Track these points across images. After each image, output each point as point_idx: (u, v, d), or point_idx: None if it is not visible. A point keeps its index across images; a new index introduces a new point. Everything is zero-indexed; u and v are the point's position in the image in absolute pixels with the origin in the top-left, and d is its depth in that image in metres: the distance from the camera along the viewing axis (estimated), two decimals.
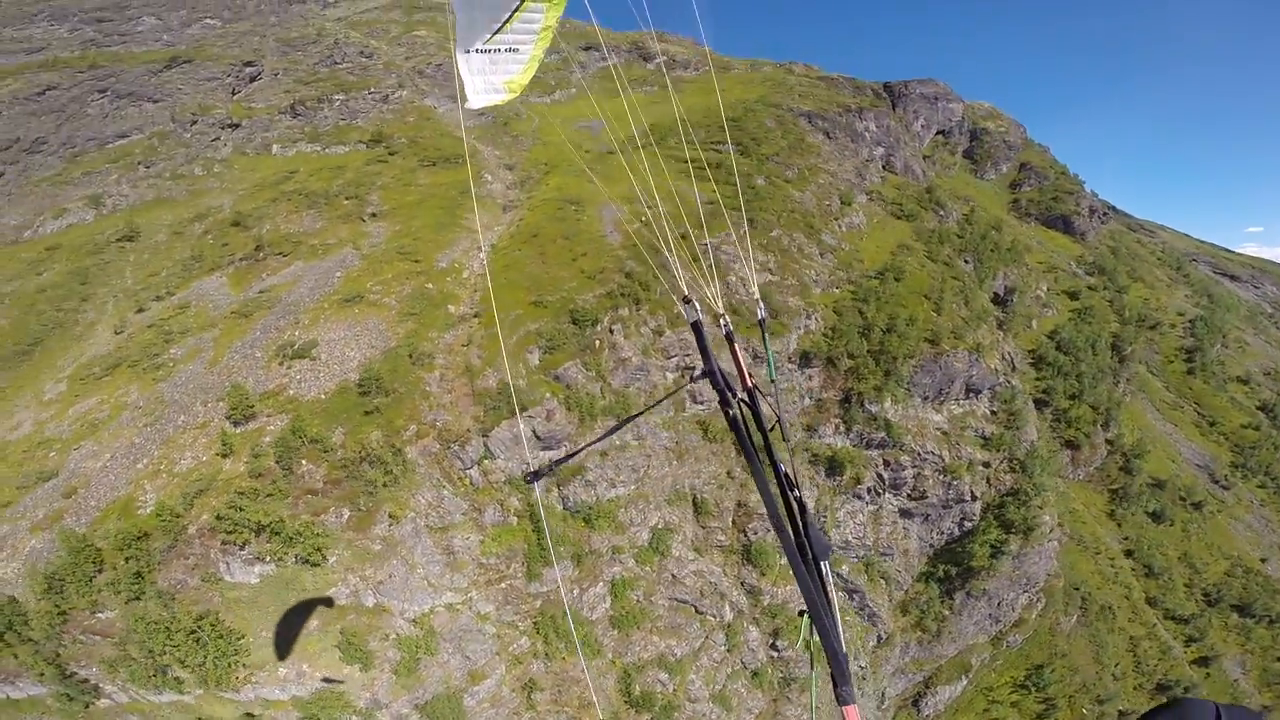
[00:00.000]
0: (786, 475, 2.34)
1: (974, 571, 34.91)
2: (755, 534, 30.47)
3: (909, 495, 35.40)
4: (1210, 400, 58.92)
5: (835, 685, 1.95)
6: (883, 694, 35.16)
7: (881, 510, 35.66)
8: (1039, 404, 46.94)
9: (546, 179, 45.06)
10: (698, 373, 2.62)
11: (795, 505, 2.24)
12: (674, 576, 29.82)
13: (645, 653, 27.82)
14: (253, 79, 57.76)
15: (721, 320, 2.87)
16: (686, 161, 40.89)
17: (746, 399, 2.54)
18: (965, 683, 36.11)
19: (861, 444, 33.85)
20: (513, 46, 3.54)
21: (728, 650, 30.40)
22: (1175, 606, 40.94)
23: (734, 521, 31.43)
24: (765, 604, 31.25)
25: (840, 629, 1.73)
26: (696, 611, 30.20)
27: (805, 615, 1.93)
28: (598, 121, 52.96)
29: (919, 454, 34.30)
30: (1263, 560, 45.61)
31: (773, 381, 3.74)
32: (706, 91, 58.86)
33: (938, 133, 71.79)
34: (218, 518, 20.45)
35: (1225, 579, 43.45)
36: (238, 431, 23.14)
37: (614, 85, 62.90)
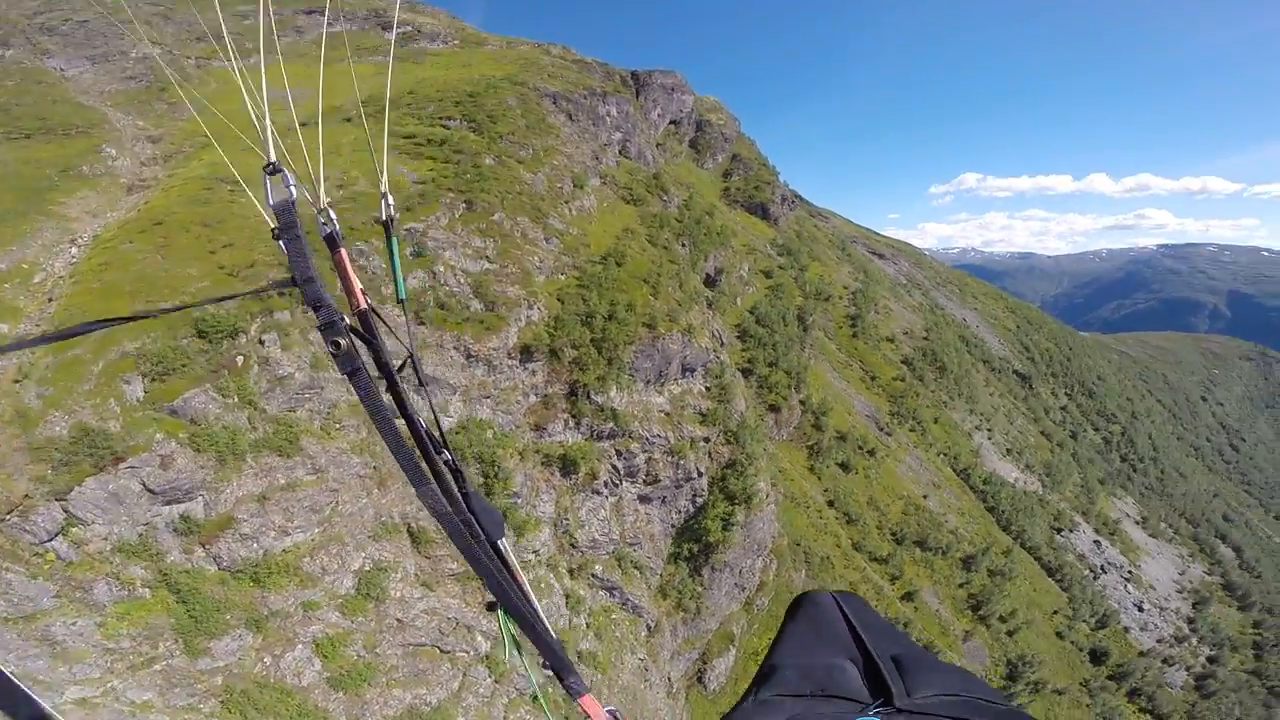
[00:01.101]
0: (429, 434, 1.71)
1: (713, 546, 36.67)
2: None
3: (644, 481, 35.68)
4: (870, 358, 72.20)
5: (561, 679, 1.57)
6: (669, 679, 35.28)
7: (622, 500, 35.40)
8: (745, 373, 51.89)
9: (202, 154, 36.01)
10: (289, 280, 1.56)
11: (448, 472, 1.67)
12: (400, 621, 25.42)
13: (389, 709, 23.22)
14: None
15: (322, 219, 1.70)
16: (400, 139, 35.99)
17: (359, 325, 1.67)
18: (735, 651, 38.10)
19: (592, 436, 32.95)
20: None
21: (496, 681, 27.06)
22: (874, 548, 48.16)
23: None
24: None
25: (543, 614, 1.35)
26: (442, 652, 26.32)
27: (499, 609, 1.52)
28: (304, 90, 45.09)
29: (647, 439, 34.65)
30: (924, 497, 56.74)
31: (401, 302, 2.12)
32: (449, 66, 53.17)
33: (671, 122, 76.06)
34: None
35: (904, 517, 52.76)
36: None
37: (337, 54, 54.49)
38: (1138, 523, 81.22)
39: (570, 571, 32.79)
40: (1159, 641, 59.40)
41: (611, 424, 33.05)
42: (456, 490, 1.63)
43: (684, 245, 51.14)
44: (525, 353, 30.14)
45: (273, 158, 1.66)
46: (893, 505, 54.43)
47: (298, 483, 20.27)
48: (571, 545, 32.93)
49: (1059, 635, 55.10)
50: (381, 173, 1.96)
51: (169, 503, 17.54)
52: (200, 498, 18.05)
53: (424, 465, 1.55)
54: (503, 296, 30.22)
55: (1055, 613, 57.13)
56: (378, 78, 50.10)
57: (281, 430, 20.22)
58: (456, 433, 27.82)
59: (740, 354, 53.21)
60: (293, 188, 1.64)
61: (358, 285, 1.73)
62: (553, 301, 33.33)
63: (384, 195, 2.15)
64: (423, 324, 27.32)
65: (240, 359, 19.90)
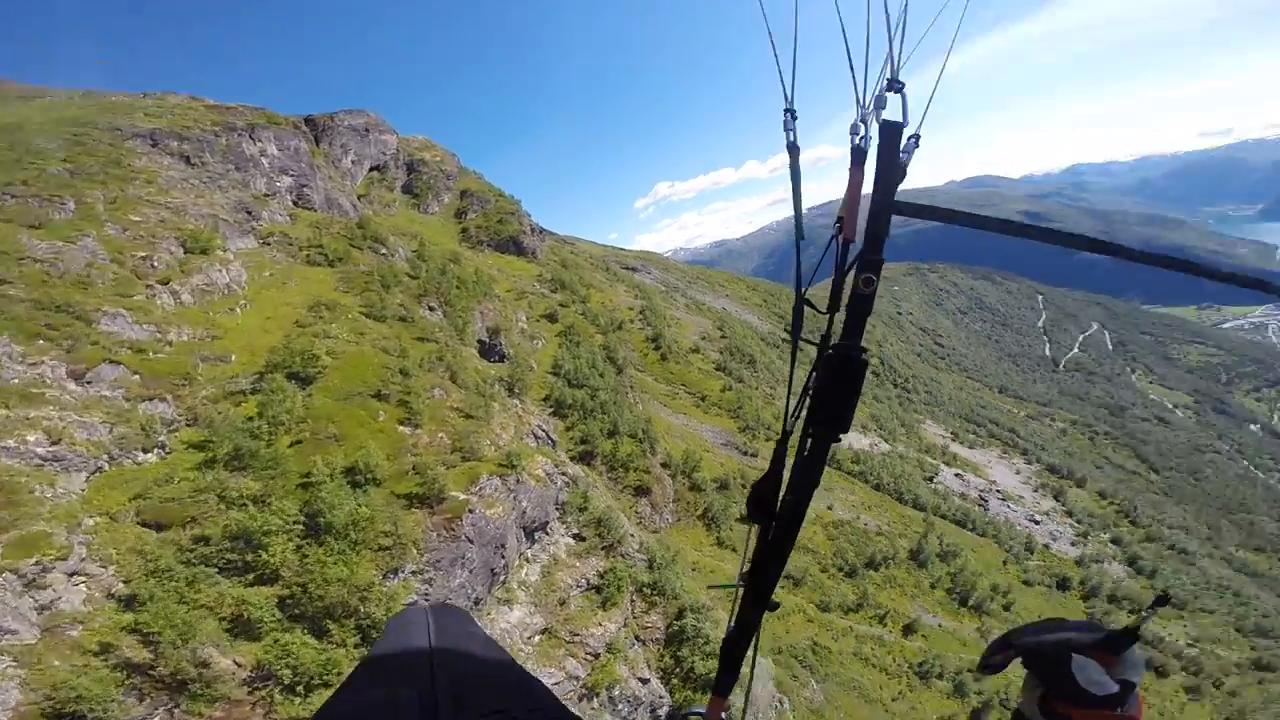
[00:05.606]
0: None
1: None
2: None
3: None
4: (689, 378, 60.42)
5: None
6: None
7: None
8: (584, 459, 35.07)
9: None
10: None
11: None
12: None
13: None
14: None
15: None
16: None
17: None
18: None
19: None
20: None
21: None
22: (841, 598, 38.08)
23: None
24: None
25: None
26: None
27: None
28: None
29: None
30: (829, 508, 45.95)
31: None
32: None
33: (373, 168, 58.46)
34: None
35: (832, 543, 44.11)
36: None
37: None
38: (952, 440, 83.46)
39: None
40: (1072, 544, 57.81)
41: None
42: None
43: (432, 309, 32.18)
44: None
45: None
46: (815, 538, 42.68)
47: None
48: None
49: (1026, 584, 50.08)
50: None
51: None
52: None
53: None
54: None
55: (1005, 563, 51.96)
56: None
57: None
58: None
59: (566, 435, 36.00)
60: None
61: None
62: (119, 538, 12.34)
63: None
64: None
65: None
